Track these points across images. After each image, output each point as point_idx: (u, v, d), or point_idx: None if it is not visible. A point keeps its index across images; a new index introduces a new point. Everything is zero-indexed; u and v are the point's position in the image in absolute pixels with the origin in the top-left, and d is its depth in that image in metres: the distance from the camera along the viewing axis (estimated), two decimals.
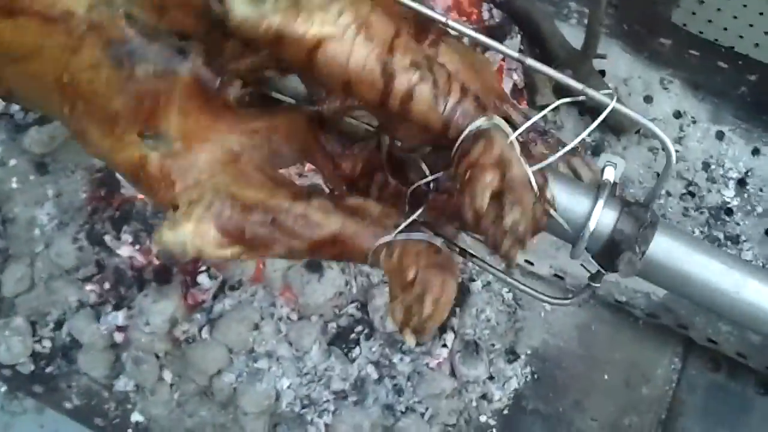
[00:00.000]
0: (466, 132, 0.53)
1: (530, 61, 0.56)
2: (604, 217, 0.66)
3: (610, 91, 0.57)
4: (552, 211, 0.59)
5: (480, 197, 0.49)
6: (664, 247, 0.70)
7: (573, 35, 1.27)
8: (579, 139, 0.57)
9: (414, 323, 0.54)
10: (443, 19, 0.55)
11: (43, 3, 0.53)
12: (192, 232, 0.54)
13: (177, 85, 0.53)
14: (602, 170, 0.66)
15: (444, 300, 0.54)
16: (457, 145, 0.53)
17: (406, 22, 0.57)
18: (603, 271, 0.74)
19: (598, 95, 0.57)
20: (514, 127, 0.55)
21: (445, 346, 1.10)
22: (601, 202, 0.65)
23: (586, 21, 1.30)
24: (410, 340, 0.54)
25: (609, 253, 0.73)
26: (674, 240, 0.70)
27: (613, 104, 0.56)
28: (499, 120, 0.53)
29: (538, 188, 0.56)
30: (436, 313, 0.54)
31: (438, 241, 0.57)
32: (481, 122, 0.52)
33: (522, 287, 0.68)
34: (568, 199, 0.67)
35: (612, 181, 0.65)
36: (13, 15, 0.54)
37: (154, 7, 0.54)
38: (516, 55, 0.56)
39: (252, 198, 0.54)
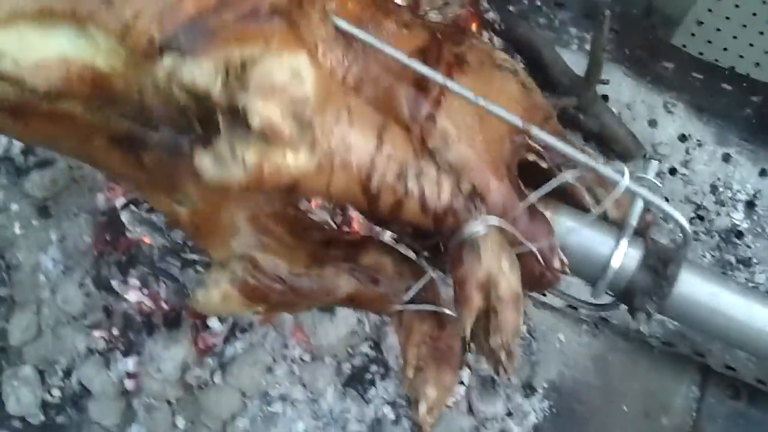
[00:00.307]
0: (455, 238, 0.53)
1: (536, 131, 0.55)
2: (626, 259, 0.65)
3: (623, 170, 0.56)
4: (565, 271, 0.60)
5: (465, 323, 0.50)
6: (688, 288, 0.69)
7: (574, 61, 1.27)
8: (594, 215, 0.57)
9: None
10: (441, 80, 0.54)
11: (46, 108, 0.52)
12: (220, 298, 0.57)
13: (186, 159, 0.52)
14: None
15: (438, 399, 0.55)
16: (449, 250, 0.54)
17: (403, 81, 0.55)
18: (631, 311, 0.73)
19: (610, 172, 0.54)
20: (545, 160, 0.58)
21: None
22: (624, 245, 0.64)
23: (587, 47, 1.30)
24: (424, 425, 0.55)
25: (631, 294, 0.72)
26: (699, 279, 0.69)
27: (624, 183, 0.54)
28: (490, 223, 0.53)
29: (544, 261, 0.56)
30: (434, 406, 0.55)
31: (446, 311, 0.58)
32: (471, 230, 0.52)
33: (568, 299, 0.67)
34: (585, 240, 0.66)
35: (636, 220, 0.64)
36: (24, 117, 0.54)
37: (144, 109, 0.52)
38: (520, 124, 0.55)
39: (271, 267, 0.56)
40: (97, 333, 1.12)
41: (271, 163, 0.48)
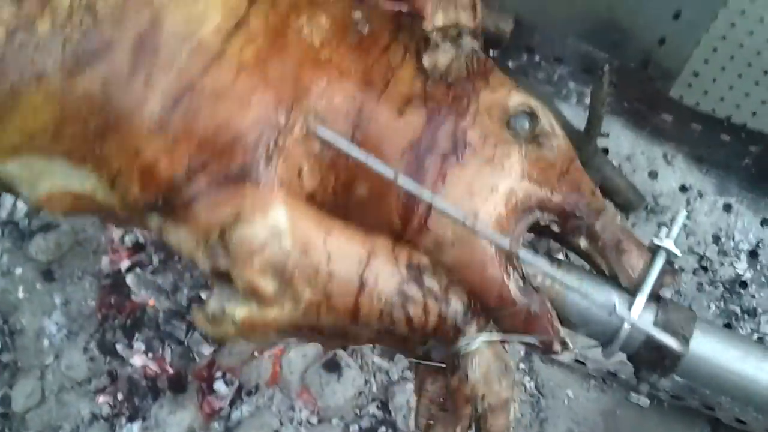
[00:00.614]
0: (450, 348, 0.55)
1: (523, 252, 0.57)
2: (640, 320, 0.64)
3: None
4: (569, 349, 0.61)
5: (460, 425, 0.55)
6: (700, 348, 0.69)
7: (574, 115, 1.28)
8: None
9: None
10: (429, 197, 0.55)
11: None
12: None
13: None
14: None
15: None
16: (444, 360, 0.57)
17: (392, 201, 0.55)
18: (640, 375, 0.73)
19: (601, 301, 0.59)
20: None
21: None
22: (638, 310, 0.64)
23: (586, 101, 1.32)
24: None
25: (645, 356, 0.72)
26: (711, 339, 0.69)
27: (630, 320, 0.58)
28: (480, 340, 0.55)
29: (545, 345, 0.58)
30: None
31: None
32: (461, 345, 0.54)
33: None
34: (596, 298, 0.66)
35: (653, 286, 0.64)
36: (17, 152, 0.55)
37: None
38: (507, 246, 0.57)
39: None
40: (101, 398, 1.11)
41: (258, 319, 0.51)
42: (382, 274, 0.53)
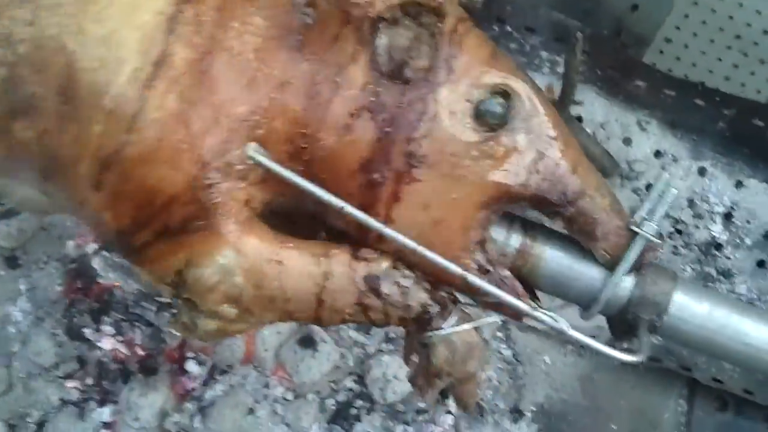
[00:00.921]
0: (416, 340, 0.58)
1: (472, 279, 0.57)
2: (619, 288, 0.63)
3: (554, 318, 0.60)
4: (537, 313, 0.60)
5: (430, 396, 0.58)
6: (682, 309, 0.69)
7: (547, 84, 1.27)
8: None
9: None
10: (377, 227, 0.53)
11: None
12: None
13: None
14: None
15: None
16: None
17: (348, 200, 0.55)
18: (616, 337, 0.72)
19: (549, 320, 0.58)
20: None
21: (449, 412, 1.07)
22: (611, 290, 0.63)
23: (558, 70, 1.30)
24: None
25: (625, 319, 0.71)
26: (692, 298, 0.68)
27: (567, 330, 0.59)
28: (443, 334, 0.57)
29: (514, 317, 0.59)
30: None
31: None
32: (426, 336, 0.57)
33: (588, 341, 0.66)
34: (577, 265, 0.65)
35: (638, 255, 0.62)
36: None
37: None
38: (459, 272, 0.57)
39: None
40: (70, 383, 1.08)
41: (228, 329, 0.55)
42: (339, 291, 0.54)
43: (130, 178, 0.50)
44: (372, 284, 0.55)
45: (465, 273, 0.55)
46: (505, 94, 0.55)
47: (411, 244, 0.54)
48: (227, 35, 0.51)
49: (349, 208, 0.53)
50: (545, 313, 0.59)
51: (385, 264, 0.55)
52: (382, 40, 0.53)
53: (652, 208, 0.60)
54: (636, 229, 0.59)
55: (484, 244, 0.58)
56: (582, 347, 1.15)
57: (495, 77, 0.55)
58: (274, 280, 0.53)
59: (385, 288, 0.56)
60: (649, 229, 0.58)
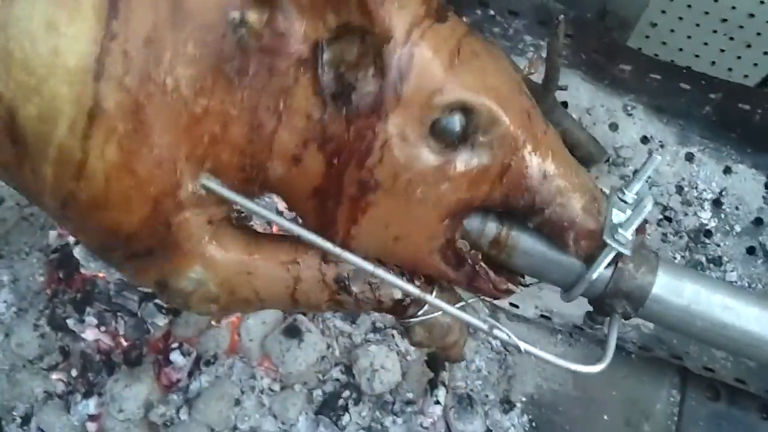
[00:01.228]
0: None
1: (429, 298, 0.59)
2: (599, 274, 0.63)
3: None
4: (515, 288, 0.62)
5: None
6: (665, 289, 0.68)
7: (529, 59, 1.26)
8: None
9: None
10: (337, 252, 0.55)
11: None
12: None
13: None
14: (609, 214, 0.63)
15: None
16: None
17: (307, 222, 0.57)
18: (596, 317, 0.71)
19: (507, 338, 0.59)
20: None
21: (438, 402, 1.06)
22: (593, 275, 0.62)
23: (543, 54, 1.29)
24: None
25: (607, 298, 0.70)
26: (675, 279, 0.67)
27: (523, 347, 0.59)
28: (416, 320, 0.61)
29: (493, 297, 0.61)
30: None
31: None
32: (403, 322, 0.61)
33: (545, 356, 0.66)
34: (549, 255, 0.64)
35: (623, 243, 0.62)
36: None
37: None
38: (418, 294, 0.59)
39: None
40: (54, 375, 1.07)
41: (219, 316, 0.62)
42: (310, 291, 0.57)
43: (87, 218, 0.51)
44: (342, 284, 0.57)
45: (423, 295, 0.56)
46: (464, 107, 0.52)
47: (368, 267, 0.55)
48: (159, 70, 0.48)
49: (304, 234, 0.54)
50: (502, 330, 0.58)
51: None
52: (326, 56, 0.50)
53: (630, 219, 0.60)
54: (607, 241, 0.58)
55: (454, 242, 0.57)
56: (571, 335, 1.14)
57: (448, 96, 0.51)
58: (245, 287, 0.56)
59: (356, 287, 0.57)
60: (621, 238, 0.57)
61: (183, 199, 0.51)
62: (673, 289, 0.65)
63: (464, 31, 0.53)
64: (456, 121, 0.52)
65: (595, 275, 0.59)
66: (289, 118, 0.51)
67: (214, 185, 0.51)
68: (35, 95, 0.48)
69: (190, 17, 0.48)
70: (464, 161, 0.52)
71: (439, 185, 0.52)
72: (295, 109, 0.50)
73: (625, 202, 0.63)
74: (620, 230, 0.58)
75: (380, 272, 0.55)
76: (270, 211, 0.54)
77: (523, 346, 0.59)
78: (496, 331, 0.58)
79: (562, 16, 1.10)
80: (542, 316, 1.13)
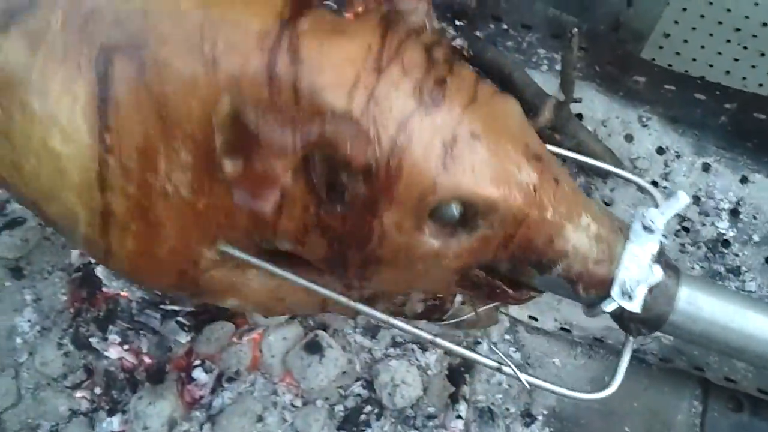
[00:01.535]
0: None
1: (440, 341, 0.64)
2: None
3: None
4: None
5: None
6: (682, 315, 0.68)
7: (545, 81, 1.27)
8: None
9: None
10: (351, 305, 0.59)
11: None
12: None
13: None
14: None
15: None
16: None
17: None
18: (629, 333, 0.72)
19: (514, 375, 0.64)
20: None
21: (459, 417, 1.06)
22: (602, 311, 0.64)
23: (557, 67, 1.30)
24: None
25: (624, 319, 0.70)
26: (698, 295, 0.68)
27: (524, 380, 0.66)
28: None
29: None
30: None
31: None
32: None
33: (543, 385, 0.69)
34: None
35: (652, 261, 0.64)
36: None
37: None
38: (429, 338, 0.63)
39: None
40: (79, 393, 1.08)
41: None
42: (338, 307, 0.61)
43: (126, 277, 0.63)
44: (369, 303, 0.61)
45: (434, 339, 0.60)
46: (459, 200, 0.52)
47: (382, 317, 0.59)
48: (157, 179, 0.52)
49: (327, 293, 0.58)
50: (510, 367, 0.64)
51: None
52: (317, 164, 0.51)
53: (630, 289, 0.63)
54: (615, 298, 0.61)
55: (469, 275, 0.58)
56: (591, 348, 1.14)
57: (442, 195, 0.51)
58: (280, 307, 0.60)
59: (381, 306, 0.61)
60: (631, 292, 0.61)
61: (204, 266, 0.56)
62: (692, 314, 0.66)
63: (464, 104, 0.51)
64: (453, 210, 0.52)
65: (608, 309, 0.61)
66: (288, 209, 0.53)
67: (231, 250, 0.55)
68: (53, 201, 0.52)
69: (178, 126, 0.51)
70: (465, 240, 0.54)
71: (441, 261, 0.54)
72: (293, 201, 0.52)
73: (650, 230, 0.65)
74: (620, 294, 0.61)
75: (396, 323, 0.59)
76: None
77: (524, 378, 0.62)
78: (505, 368, 0.61)
79: (576, 29, 1.11)
80: (562, 328, 1.13)
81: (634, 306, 0.61)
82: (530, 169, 0.54)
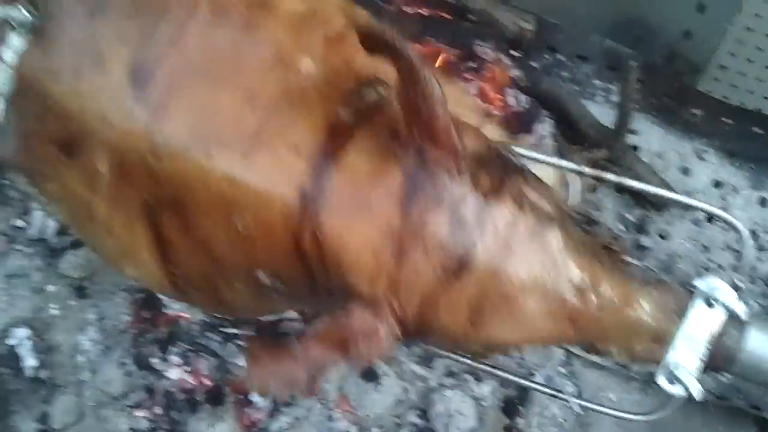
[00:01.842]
0: None
1: None
2: None
3: None
4: None
5: None
6: (744, 366, 0.69)
7: (600, 113, 1.27)
8: None
9: None
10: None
11: None
12: None
13: None
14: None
15: None
16: None
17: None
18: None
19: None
20: None
21: None
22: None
23: (612, 98, 1.31)
24: None
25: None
26: (758, 355, 0.68)
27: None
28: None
29: None
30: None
31: None
32: None
33: (598, 408, 0.72)
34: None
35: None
36: None
37: None
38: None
39: None
40: (139, 413, 1.10)
41: None
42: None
43: None
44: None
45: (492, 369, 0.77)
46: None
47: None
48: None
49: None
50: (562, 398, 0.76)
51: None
52: None
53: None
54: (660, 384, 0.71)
55: None
56: (647, 384, 1.13)
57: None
58: None
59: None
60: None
61: None
62: (755, 364, 0.67)
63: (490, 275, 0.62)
64: None
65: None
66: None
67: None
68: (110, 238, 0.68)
69: (229, 270, 0.66)
70: None
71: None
72: None
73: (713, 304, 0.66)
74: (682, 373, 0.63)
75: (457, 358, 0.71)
76: None
77: (576, 402, 0.70)
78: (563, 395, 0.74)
79: (633, 62, 1.11)
80: (618, 363, 1.13)
81: (679, 390, 0.64)
82: (567, 296, 0.68)
